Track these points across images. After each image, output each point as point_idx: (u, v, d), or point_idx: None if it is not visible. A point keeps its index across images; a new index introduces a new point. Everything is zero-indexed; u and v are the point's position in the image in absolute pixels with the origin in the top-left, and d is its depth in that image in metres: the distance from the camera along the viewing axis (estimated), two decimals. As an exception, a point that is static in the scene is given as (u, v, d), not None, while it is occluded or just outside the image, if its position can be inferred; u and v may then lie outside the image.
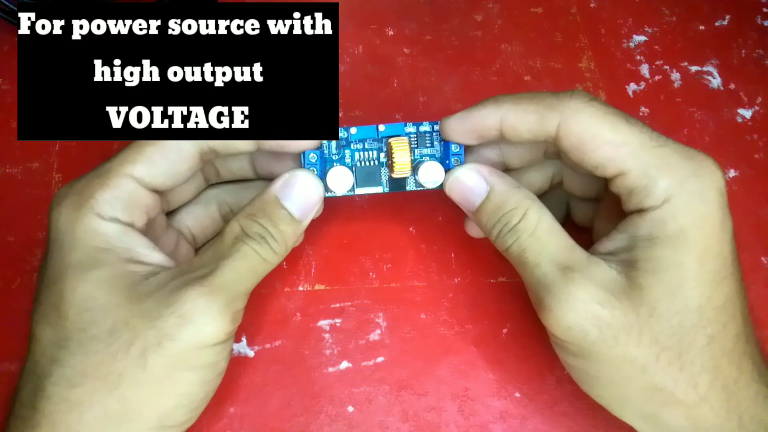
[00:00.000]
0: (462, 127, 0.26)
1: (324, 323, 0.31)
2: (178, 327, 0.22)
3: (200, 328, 0.22)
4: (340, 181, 0.27)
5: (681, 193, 0.23)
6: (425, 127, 0.28)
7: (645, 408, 0.24)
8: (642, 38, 0.40)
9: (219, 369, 0.25)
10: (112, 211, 0.24)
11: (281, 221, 0.25)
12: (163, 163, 0.25)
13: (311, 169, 0.27)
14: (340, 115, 0.36)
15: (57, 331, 0.23)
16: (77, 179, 0.25)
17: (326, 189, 0.27)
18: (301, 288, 0.32)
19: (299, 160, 0.27)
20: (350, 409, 0.29)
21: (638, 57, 0.39)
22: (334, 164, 0.27)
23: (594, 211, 0.30)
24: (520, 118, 0.25)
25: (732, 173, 0.35)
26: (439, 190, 0.28)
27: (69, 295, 0.23)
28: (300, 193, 0.26)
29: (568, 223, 0.32)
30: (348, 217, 0.33)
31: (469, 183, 0.26)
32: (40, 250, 0.32)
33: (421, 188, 0.28)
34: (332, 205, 0.30)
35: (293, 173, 0.26)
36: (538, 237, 0.24)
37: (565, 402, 0.29)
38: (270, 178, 0.28)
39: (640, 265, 0.23)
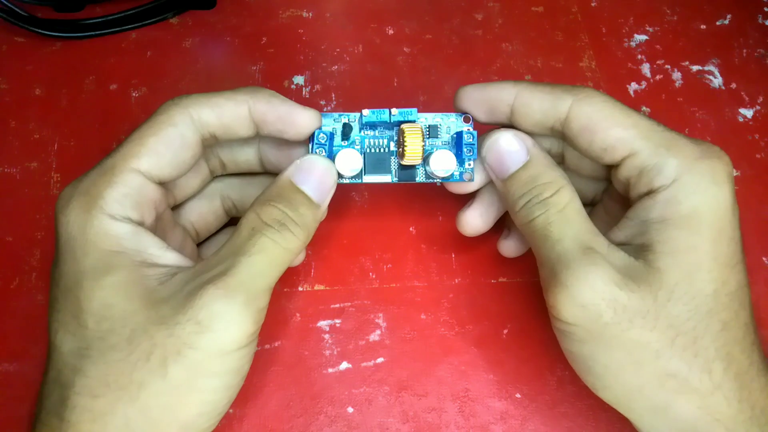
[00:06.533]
0: (477, 95, 0.27)
1: (324, 324, 0.31)
2: (197, 334, 0.21)
3: (219, 334, 0.22)
4: (350, 163, 0.26)
5: (692, 172, 0.23)
6: (438, 119, 0.28)
7: (656, 397, 0.23)
8: (643, 37, 0.39)
9: (242, 373, 0.24)
10: (123, 210, 0.23)
11: (300, 204, 0.25)
12: (168, 153, 0.24)
13: (320, 150, 0.26)
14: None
15: (77, 341, 0.22)
16: (80, 178, 0.24)
17: None
18: (300, 288, 0.32)
19: (306, 149, 0.27)
20: (350, 410, 0.29)
21: (639, 56, 0.39)
22: (343, 148, 0.27)
23: (592, 195, 0.30)
24: (535, 96, 0.25)
25: (733, 173, 0.35)
26: (441, 188, 0.28)
27: (86, 304, 0.22)
28: (315, 176, 0.25)
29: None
30: (348, 217, 0.33)
31: (510, 149, 0.26)
32: (38, 250, 0.32)
33: (431, 180, 0.27)
34: (332, 204, 0.30)
35: (305, 158, 0.26)
36: (566, 215, 0.24)
37: (566, 403, 0.29)
38: (275, 172, 0.28)
39: (656, 247, 0.23)
